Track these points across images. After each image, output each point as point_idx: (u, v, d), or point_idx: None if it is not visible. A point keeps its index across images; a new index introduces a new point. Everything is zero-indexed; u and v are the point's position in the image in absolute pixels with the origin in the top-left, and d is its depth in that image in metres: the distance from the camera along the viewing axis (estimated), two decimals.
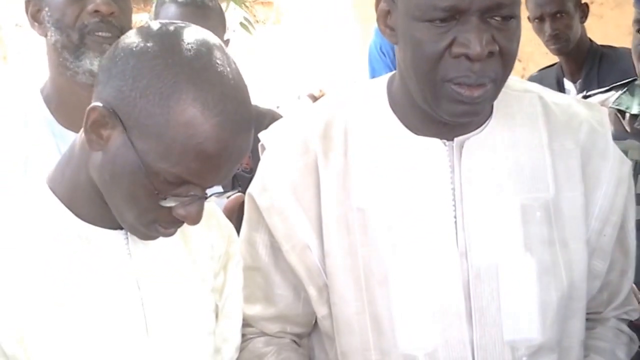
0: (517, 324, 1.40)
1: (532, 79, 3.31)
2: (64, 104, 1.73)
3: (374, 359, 1.42)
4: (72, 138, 1.63)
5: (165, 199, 1.17)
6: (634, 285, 1.67)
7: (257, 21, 8.46)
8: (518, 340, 1.40)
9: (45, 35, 1.73)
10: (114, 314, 1.25)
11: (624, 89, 2.15)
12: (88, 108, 1.17)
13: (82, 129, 1.21)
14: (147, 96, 1.13)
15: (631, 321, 1.64)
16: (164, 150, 1.13)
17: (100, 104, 1.16)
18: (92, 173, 1.21)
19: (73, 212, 1.25)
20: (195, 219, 1.21)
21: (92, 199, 1.24)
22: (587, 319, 1.52)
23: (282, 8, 8.69)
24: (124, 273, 1.28)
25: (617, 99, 2.13)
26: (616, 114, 2.11)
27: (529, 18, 3.19)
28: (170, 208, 1.19)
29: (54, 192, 1.26)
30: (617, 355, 1.57)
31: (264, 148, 1.51)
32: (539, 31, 3.19)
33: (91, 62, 1.68)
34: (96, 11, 1.67)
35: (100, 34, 1.68)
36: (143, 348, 1.27)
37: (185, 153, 1.13)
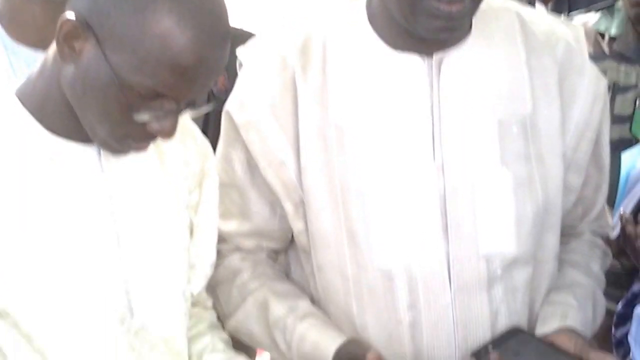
0: (493, 238, 1.42)
1: None
2: (16, 19, 1.68)
3: (350, 272, 1.45)
4: (25, 53, 1.63)
5: (138, 112, 1.16)
6: (606, 205, 1.72)
7: None
8: (493, 254, 1.43)
9: None
10: (84, 229, 1.24)
11: (604, 11, 2.17)
12: (60, 19, 1.14)
13: (53, 42, 1.19)
14: (121, 7, 1.11)
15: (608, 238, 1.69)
16: (138, 63, 1.11)
17: (72, 16, 1.13)
18: (64, 86, 1.19)
19: (43, 125, 1.23)
20: (169, 134, 1.20)
21: (63, 112, 1.22)
22: (562, 234, 1.55)
23: None
24: (96, 188, 1.26)
25: (597, 21, 2.15)
26: (596, 36, 2.13)
27: None
28: (143, 122, 1.18)
29: (23, 105, 1.24)
30: (591, 268, 1.61)
31: (241, 65, 1.51)
32: None
33: None
34: None
35: None
36: (115, 262, 1.27)
37: (159, 66, 1.11)
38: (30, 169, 1.21)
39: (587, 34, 1.87)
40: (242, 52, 1.50)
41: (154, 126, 1.19)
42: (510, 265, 1.45)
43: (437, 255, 1.42)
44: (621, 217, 1.57)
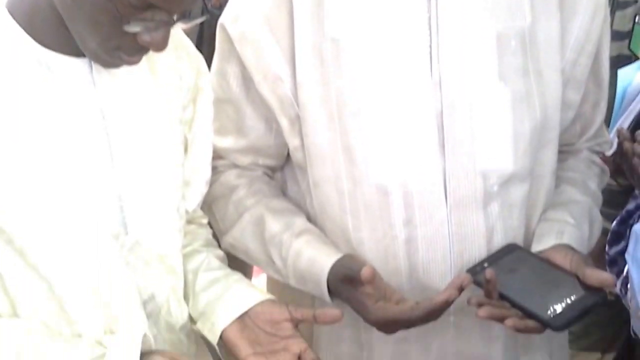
0: (490, 154, 1.42)
1: None
2: None
3: (346, 188, 1.44)
4: None
5: (129, 23, 1.13)
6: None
7: None
8: (490, 170, 1.42)
9: None
10: (77, 143, 1.23)
11: None
12: None
13: None
14: None
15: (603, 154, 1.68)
16: None
17: None
18: None
19: (34, 38, 1.20)
20: (160, 46, 1.17)
21: (54, 24, 1.18)
22: (559, 151, 1.54)
23: None
24: (88, 102, 1.24)
25: None
26: None
27: None
28: (134, 34, 1.15)
29: (13, 17, 1.20)
30: (588, 186, 1.61)
31: None
32: None
33: None
34: None
35: None
36: (108, 178, 1.26)
37: None
38: (21, 83, 1.19)
39: None
40: None
41: (145, 38, 1.16)
42: (507, 181, 1.44)
43: (434, 171, 1.41)
44: (618, 133, 1.56)
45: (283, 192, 1.60)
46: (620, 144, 1.58)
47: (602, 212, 1.64)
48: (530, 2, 1.42)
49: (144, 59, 1.27)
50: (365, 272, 1.33)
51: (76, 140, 1.23)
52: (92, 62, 1.24)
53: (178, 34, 1.39)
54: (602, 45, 1.53)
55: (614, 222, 1.55)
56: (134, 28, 1.14)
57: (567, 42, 1.46)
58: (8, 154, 1.18)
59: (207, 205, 1.56)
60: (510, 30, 1.41)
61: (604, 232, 1.69)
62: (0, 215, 1.18)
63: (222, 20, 1.48)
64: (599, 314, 2.17)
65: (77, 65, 1.24)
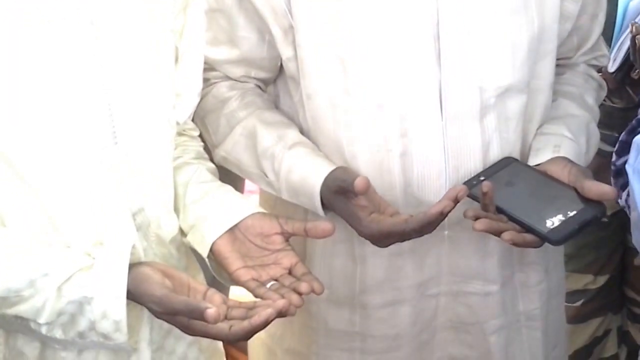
0: (487, 65, 1.40)
1: None
2: None
3: (340, 99, 1.43)
4: None
5: None
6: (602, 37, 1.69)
7: None
8: (486, 82, 1.41)
9: None
10: (64, 50, 1.21)
11: None
12: None
13: None
14: None
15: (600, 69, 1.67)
16: None
17: None
18: None
19: None
20: None
21: None
22: (557, 65, 1.53)
23: None
24: (77, 7, 1.22)
25: None
26: None
27: None
28: None
29: None
30: (585, 100, 1.60)
31: None
32: None
33: None
34: None
35: None
36: (97, 84, 1.24)
37: None
38: None
39: None
40: None
41: None
42: (504, 93, 1.43)
43: (429, 82, 1.40)
44: (632, 27, 1.54)
45: (276, 106, 1.59)
46: (633, 38, 1.55)
47: None
48: None
49: None
50: (359, 183, 1.32)
51: (64, 46, 1.21)
52: None
53: None
54: None
55: (623, 132, 1.54)
56: None
57: None
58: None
59: (200, 118, 1.55)
60: None
61: (599, 152, 1.68)
62: None
63: None
64: (592, 235, 2.19)
65: None
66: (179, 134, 1.49)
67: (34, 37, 1.18)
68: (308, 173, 1.44)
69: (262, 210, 1.40)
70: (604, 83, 1.69)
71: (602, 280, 2.32)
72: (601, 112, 1.67)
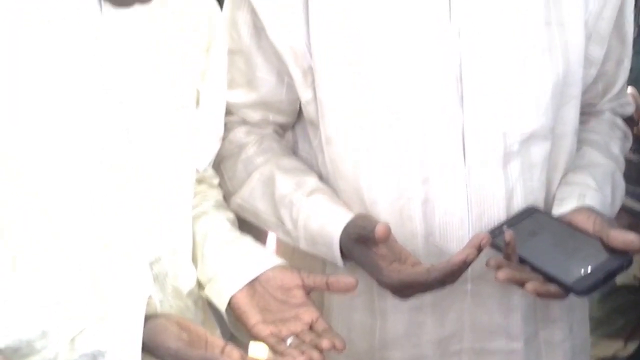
0: (510, 110, 1.41)
1: None
2: None
3: (360, 143, 1.44)
4: None
5: None
6: (635, 92, 1.70)
7: None
8: (510, 127, 1.42)
9: None
10: (80, 76, 1.21)
11: None
12: None
13: None
14: None
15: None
16: None
17: None
18: None
19: None
20: None
21: None
22: (581, 113, 1.54)
23: None
24: (93, 30, 1.22)
25: None
26: None
27: None
28: None
29: None
30: (610, 149, 1.61)
31: None
32: None
33: None
34: None
35: None
36: (116, 114, 1.25)
37: None
38: (25, 6, 1.17)
39: None
40: None
41: None
42: (528, 139, 1.44)
43: (452, 126, 1.41)
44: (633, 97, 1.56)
45: (294, 152, 1.60)
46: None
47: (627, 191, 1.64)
48: None
49: (157, 2, 1.27)
50: (380, 229, 1.32)
51: (81, 72, 1.21)
52: (102, 0, 1.23)
53: None
54: None
55: None
56: None
57: None
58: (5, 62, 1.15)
59: (215, 164, 1.56)
60: None
61: (629, 211, 1.68)
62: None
63: None
64: (622, 299, 2.17)
65: (87, 1, 1.22)
66: (199, 181, 1.50)
67: (45, 68, 1.19)
68: (327, 220, 1.44)
69: (282, 262, 1.40)
70: (629, 132, 1.70)
71: (632, 346, 2.29)
72: (627, 166, 1.67)
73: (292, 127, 1.61)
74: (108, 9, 1.24)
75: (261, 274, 1.37)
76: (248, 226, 1.58)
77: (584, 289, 1.33)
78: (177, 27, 1.34)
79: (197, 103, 1.41)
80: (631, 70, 1.64)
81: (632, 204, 1.71)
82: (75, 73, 1.21)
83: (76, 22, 1.21)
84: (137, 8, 1.25)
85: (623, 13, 1.54)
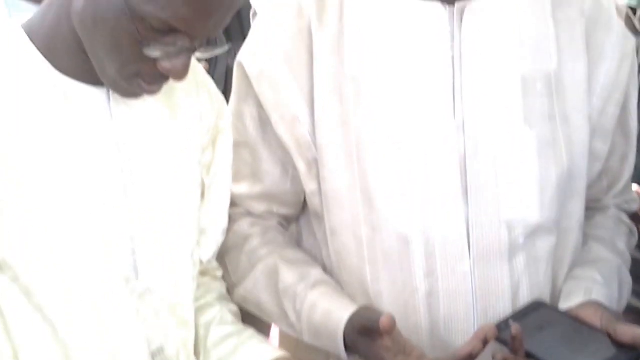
0: (515, 202, 1.42)
1: None
2: None
3: (364, 236, 1.44)
4: (27, 8, 1.64)
5: (149, 47, 1.15)
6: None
7: None
8: (515, 220, 1.42)
9: None
10: (90, 178, 1.24)
11: None
12: None
13: None
14: None
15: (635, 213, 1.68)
16: None
17: None
18: (74, 19, 1.18)
19: (51, 63, 1.22)
20: (180, 74, 1.19)
21: (73, 50, 1.21)
22: (587, 208, 1.55)
23: None
24: (104, 135, 1.26)
25: None
26: (628, 12, 2.13)
27: None
28: (154, 60, 1.17)
29: (31, 40, 1.23)
30: (616, 245, 1.61)
31: (255, 14, 1.52)
32: None
33: None
34: None
35: None
36: (121, 218, 1.26)
37: None
38: (36, 110, 1.20)
39: (618, 10, 1.88)
40: (257, 1, 1.50)
41: (166, 64, 1.17)
42: (533, 233, 1.44)
43: (457, 219, 1.42)
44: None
45: (298, 245, 1.61)
46: None
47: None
48: (557, 44, 1.45)
49: (164, 95, 1.30)
50: (384, 321, 1.32)
51: (89, 175, 1.24)
52: (110, 93, 1.26)
53: (201, 72, 1.42)
54: (630, 94, 1.55)
55: None
56: (154, 52, 1.16)
57: (594, 89, 1.49)
58: (18, 184, 1.18)
59: (220, 256, 1.56)
60: (536, 72, 1.43)
61: (630, 309, 1.66)
62: (7, 250, 1.19)
63: (239, 57, 1.51)
64: None
65: (95, 95, 1.26)
66: (202, 273, 1.50)
67: (58, 159, 1.21)
68: (331, 312, 1.43)
69: (285, 354, 1.39)
70: (635, 228, 1.70)
71: None
72: (633, 265, 1.67)
73: (296, 220, 1.62)
74: (117, 104, 1.27)
75: None
76: (251, 318, 1.57)
77: None
78: (184, 120, 1.37)
79: (202, 195, 1.43)
80: (636, 167, 1.65)
81: (638, 303, 1.70)
82: (85, 167, 1.24)
83: (84, 115, 1.25)
84: (145, 100, 1.28)
85: (627, 109, 1.56)
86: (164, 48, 1.16)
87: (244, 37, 1.55)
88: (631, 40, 1.54)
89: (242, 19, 1.86)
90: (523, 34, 1.43)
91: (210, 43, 1.22)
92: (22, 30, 1.24)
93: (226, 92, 1.52)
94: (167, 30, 1.14)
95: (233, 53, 1.63)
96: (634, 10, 2.13)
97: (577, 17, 1.47)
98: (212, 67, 1.68)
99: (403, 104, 1.41)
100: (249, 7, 1.54)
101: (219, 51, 1.27)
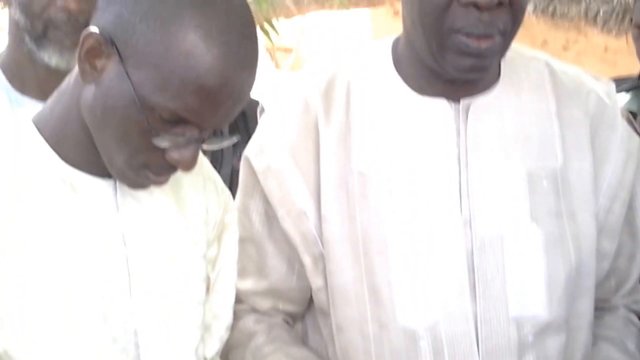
0: (523, 300, 1.41)
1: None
2: (22, 73, 1.77)
3: (371, 331, 1.43)
4: (29, 104, 1.67)
5: (158, 137, 1.15)
6: None
7: (278, 66, 8.74)
8: (524, 317, 1.41)
9: (9, 6, 1.76)
10: (95, 270, 1.23)
11: (635, 91, 2.21)
12: (83, 34, 1.16)
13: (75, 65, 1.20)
14: (147, 20, 1.12)
15: None
16: (161, 82, 1.12)
17: (96, 30, 1.15)
18: (83, 110, 1.20)
19: (59, 154, 1.24)
20: (189, 164, 1.19)
21: (81, 141, 1.22)
22: (596, 308, 1.53)
23: (303, 54, 8.97)
24: (110, 227, 1.26)
25: (628, 101, 2.18)
26: (628, 116, 2.16)
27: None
28: (163, 151, 1.18)
29: (39, 131, 1.24)
30: (626, 346, 1.58)
31: (263, 110, 1.54)
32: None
33: (50, 57, 1.71)
34: (65, 8, 1.69)
35: (64, 29, 1.69)
36: (125, 311, 1.26)
37: (183, 86, 1.12)
38: (42, 200, 1.21)
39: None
40: (265, 98, 1.53)
41: (174, 155, 1.18)
42: (543, 331, 1.43)
43: (465, 315, 1.40)
44: None
45: (304, 343, 1.59)
46: None
47: None
48: (562, 142, 1.46)
49: (171, 188, 1.31)
50: None
51: (94, 267, 1.24)
52: (118, 185, 1.27)
53: (207, 166, 1.43)
54: (637, 193, 1.55)
55: None
56: (163, 143, 1.17)
57: (600, 186, 1.49)
58: (24, 276, 1.18)
59: (224, 353, 1.54)
60: (541, 170, 1.44)
61: None
62: (10, 341, 1.18)
63: (246, 152, 1.52)
64: None
65: (102, 187, 1.27)
66: None
67: (63, 250, 1.21)
68: None
69: None
70: None
71: None
72: None
73: (302, 317, 1.60)
74: (124, 196, 1.28)
75: None
76: None
77: None
78: (190, 213, 1.37)
79: (207, 290, 1.42)
80: None
81: None
82: (90, 259, 1.23)
83: (91, 207, 1.25)
84: (152, 193, 1.29)
85: (633, 209, 1.56)
86: (172, 138, 1.17)
87: (249, 136, 1.57)
88: (636, 139, 1.55)
89: (247, 117, 1.89)
90: (528, 131, 1.45)
91: (216, 135, 1.23)
92: (31, 122, 1.26)
93: (231, 193, 1.53)
94: (176, 121, 1.16)
95: (238, 154, 1.65)
96: (634, 114, 2.16)
97: (582, 115, 1.49)
98: (217, 167, 1.69)
99: (409, 199, 1.42)
100: (254, 104, 1.56)
101: (226, 143, 1.27)
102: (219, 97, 1.14)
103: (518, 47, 1.48)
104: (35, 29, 1.71)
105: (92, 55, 1.16)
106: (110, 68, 1.16)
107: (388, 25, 7.48)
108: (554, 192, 1.44)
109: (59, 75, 1.47)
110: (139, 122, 1.15)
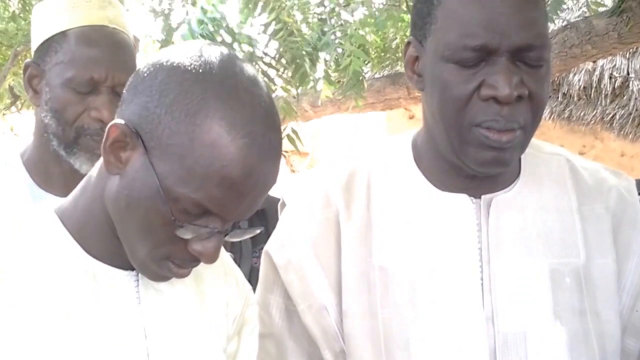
0: None
1: None
2: (47, 170, 1.80)
3: None
4: (49, 197, 1.71)
5: (181, 228, 1.17)
6: None
7: (293, 171, 8.80)
8: None
9: (37, 105, 1.79)
10: None
11: None
12: (109, 125, 1.19)
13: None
14: (172, 112, 1.14)
15: None
16: (186, 174, 1.14)
17: (122, 121, 1.18)
18: (107, 201, 1.22)
19: (82, 246, 1.26)
20: (212, 257, 1.20)
21: (104, 234, 1.24)
22: None
23: (317, 158, 9.04)
24: (131, 319, 1.27)
25: None
26: None
27: None
28: (185, 242, 1.19)
29: (63, 224, 1.26)
30: None
31: (284, 205, 1.55)
32: None
33: (80, 165, 1.75)
34: (99, 118, 1.73)
35: (96, 138, 1.71)
36: None
37: (207, 177, 1.13)
38: (64, 292, 1.23)
39: None
40: (285, 192, 1.54)
41: (197, 247, 1.20)
42: None
43: None
44: None
45: None
46: None
47: None
48: (584, 238, 1.47)
49: (192, 281, 1.32)
50: None
51: (116, 359, 1.24)
52: (140, 277, 1.28)
53: (229, 261, 1.44)
54: None
55: None
56: (186, 234, 1.18)
57: (623, 284, 1.49)
58: None
59: None
60: (564, 266, 1.44)
61: None
62: None
63: (267, 247, 1.53)
64: None
65: (124, 279, 1.28)
66: None
67: (85, 341, 1.22)
68: None
69: None
70: None
71: None
72: None
73: None
74: (146, 289, 1.30)
75: None
76: None
77: None
78: (211, 307, 1.38)
79: None
80: None
81: None
82: (112, 350, 1.24)
83: (113, 299, 1.27)
84: (174, 285, 1.31)
85: None
86: (196, 230, 1.18)
87: (268, 234, 1.58)
88: None
89: (266, 215, 1.90)
90: (550, 228, 1.46)
91: (235, 228, 1.24)
92: (55, 214, 1.28)
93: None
94: (200, 212, 1.17)
95: (257, 253, 1.66)
96: None
97: (603, 212, 1.50)
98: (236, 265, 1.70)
99: (431, 294, 1.42)
100: (274, 202, 1.58)
101: (249, 234, 1.29)
102: (243, 187, 1.16)
103: (538, 143, 1.51)
104: (67, 135, 1.75)
105: (117, 147, 1.19)
106: (135, 159, 1.18)
107: (403, 129, 7.56)
108: (577, 289, 1.44)
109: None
110: (163, 213, 1.17)
